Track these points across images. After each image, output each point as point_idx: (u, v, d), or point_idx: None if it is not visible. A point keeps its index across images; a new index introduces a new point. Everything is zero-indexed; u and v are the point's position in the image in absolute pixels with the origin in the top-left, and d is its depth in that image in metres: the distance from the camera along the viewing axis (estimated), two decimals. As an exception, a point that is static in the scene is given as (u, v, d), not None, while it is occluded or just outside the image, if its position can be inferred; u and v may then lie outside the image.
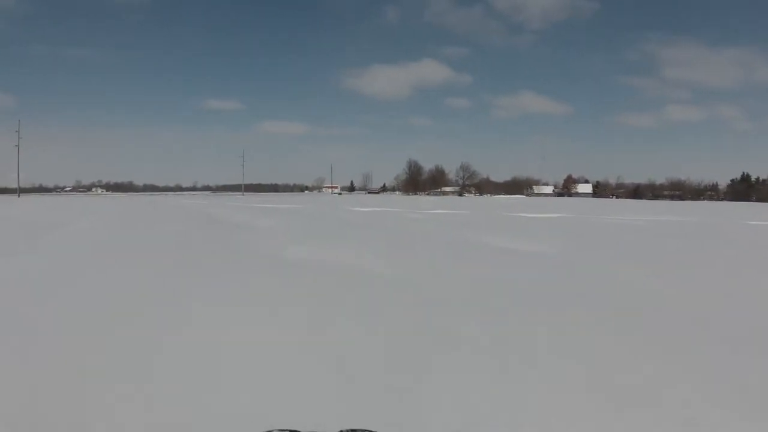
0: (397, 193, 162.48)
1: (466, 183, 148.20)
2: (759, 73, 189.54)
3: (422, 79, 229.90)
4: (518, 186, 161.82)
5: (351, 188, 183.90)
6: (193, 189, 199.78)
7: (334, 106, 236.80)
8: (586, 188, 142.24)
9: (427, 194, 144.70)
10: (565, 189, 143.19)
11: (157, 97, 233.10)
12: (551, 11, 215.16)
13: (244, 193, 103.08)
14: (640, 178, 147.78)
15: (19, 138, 78.04)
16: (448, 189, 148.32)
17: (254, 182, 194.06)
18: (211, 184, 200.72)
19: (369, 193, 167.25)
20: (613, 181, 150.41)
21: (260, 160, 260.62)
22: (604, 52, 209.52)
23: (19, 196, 76.63)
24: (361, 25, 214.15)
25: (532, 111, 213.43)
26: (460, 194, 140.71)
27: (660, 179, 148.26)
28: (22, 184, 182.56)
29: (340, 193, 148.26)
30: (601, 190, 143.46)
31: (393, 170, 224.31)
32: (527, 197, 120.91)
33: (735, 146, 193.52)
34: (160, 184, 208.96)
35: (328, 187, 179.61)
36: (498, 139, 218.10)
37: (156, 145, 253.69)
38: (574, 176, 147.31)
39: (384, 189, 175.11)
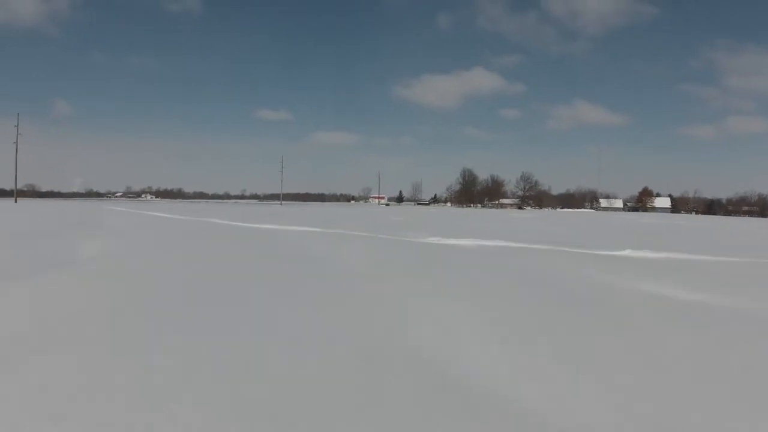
0: (448, 204, 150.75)
1: (527, 194, 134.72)
2: None
3: (474, 88, 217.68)
4: (579, 199, 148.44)
5: (399, 199, 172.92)
6: (242, 197, 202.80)
7: (385, 116, 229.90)
8: (664, 202, 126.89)
9: (483, 206, 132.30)
10: (640, 203, 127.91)
11: (210, 106, 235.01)
12: (609, 16, 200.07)
13: (283, 203, 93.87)
14: (705, 192, 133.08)
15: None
16: (506, 201, 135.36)
17: (301, 191, 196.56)
18: (259, 192, 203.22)
19: (419, 204, 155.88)
20: (690, 194, 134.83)
21: (309, 169, 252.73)
22: (664, 60, 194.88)
23: (16, 200, 68.80)
24: (413, 33, 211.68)
25: (586, 121, 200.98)
26: (520, 207, 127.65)
27: (726, 193, 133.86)
28: (79, 189, 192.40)
29: (387, 204, 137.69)
30: (680, 205, 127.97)
31: (443, 181, 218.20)
32: (598, 212, 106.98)
33: None
34: (209, 191, 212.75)
35: (375, 198, 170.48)
36: (551, 151, 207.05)
37: (207, 153, 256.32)
38: (648, 188, 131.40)
39: (435, 200, 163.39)
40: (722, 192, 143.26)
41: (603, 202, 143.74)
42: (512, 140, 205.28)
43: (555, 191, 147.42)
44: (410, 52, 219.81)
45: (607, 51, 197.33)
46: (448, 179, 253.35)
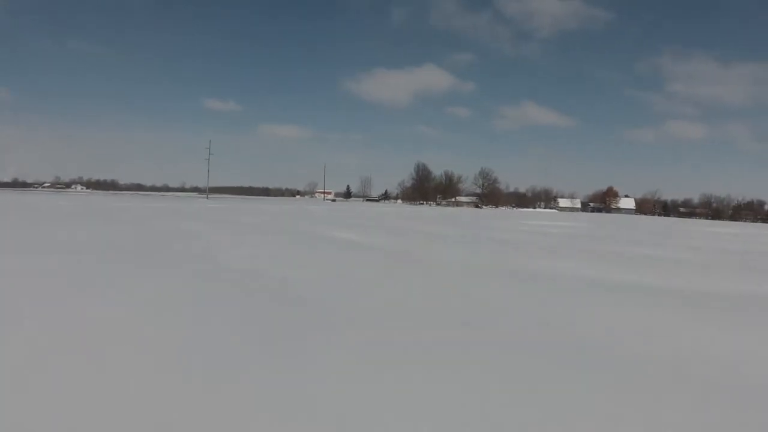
0: (399, 201, 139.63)
1: (485, 192, 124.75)
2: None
3: (425, 85, 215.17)
4: (532, 198, 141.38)
5: (347, 194, 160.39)
6: (182, 189, 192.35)
7: (334, 111, 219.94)
8: (628, 203, 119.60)
9: (437, 204, 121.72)
10: (603, 203, 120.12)
11: (151, 95, 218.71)
12: (562, 19, 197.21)
13: (209, 196, 79.55)
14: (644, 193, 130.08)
15: None
16: (463, 199, 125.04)
17: (245, 185, 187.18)
18: (201, 185, 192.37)
19: (368, 200, 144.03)
20: (650, 196, 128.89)
21: (255, 162, 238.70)
22: (612, 65, 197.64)
23: None
24: (365, 26, 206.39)
25: (534, 122, 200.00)
26: (477, 205, 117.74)
27: (673, 196, 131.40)
28: (5, 178, 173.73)
29: (333, 200, 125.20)
30: (642, 206, 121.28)
31: (393, 179, 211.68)
32: (562, 212, 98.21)
33: (740, 165, 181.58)
34: (147, 183, 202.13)
35: (321, 193, 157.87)
36: (500, 150, 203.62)
37: (146, 143, 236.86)
38: (614, 188, 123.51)
39: (386, 197, 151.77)
40: (678, 195, 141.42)
41: (562, 202, 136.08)
42: (462, 139, 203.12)
43: (505, 190, 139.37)
44: (362, 46, 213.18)
45: (559, 53, 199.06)
46: (398, 176, 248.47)
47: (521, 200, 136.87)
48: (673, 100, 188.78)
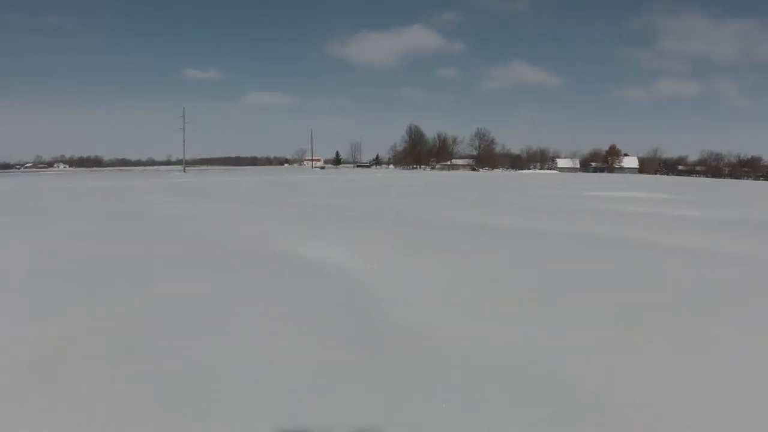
0: (391, 166, 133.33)
1: (481, 154, 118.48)
2: (759, 48, 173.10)
3: (412, 46, 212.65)
4: (525, 159, 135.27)
5: (336, 161, 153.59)
6: (168, 162, 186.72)
7: (320, 76, 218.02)
8: (631, 162, 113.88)
9: (432, 168, 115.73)
10: (605, 163, 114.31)
11: (129, 68, 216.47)
12: None
13: (186, 169, 73.21)
14: (638, 152, 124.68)
15: None
16: (459, 162, 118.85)
17: (232, 155, 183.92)
18: (187, 157, 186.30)
19: (358, 166, 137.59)
20: (653, 154, 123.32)
21: (241, 132, 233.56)
22: (604, 22, 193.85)
23: None
24: None
25: (524, 82, 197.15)
26: (474, 168, 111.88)
27: (666, 154, 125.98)
28: None
29: (322, 167, 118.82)
30: (645, 165, 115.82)
31: (383, 143, 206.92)
32: (564, 173, 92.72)
33: (729, 122, 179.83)
34: (132, 158, 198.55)
35: (310, 161, 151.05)
36: (489, 112, 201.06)
37: (127, 118, 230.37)
38: (616, 146, 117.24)
39: (377, 162, 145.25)
40: (671, 153, 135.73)
41: (561, 162, 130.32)
42: (450, 101, 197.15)
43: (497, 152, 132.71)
44: (347, 8, 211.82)
45: (548, 11, 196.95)
46: (388, 141, 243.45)
47: (515, 162, 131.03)
48: (663, 57, 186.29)
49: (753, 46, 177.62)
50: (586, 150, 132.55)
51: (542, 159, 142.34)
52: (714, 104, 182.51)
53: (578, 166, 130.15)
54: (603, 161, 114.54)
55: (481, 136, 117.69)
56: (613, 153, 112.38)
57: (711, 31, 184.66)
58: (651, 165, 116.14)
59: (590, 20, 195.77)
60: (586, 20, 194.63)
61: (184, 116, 75.55)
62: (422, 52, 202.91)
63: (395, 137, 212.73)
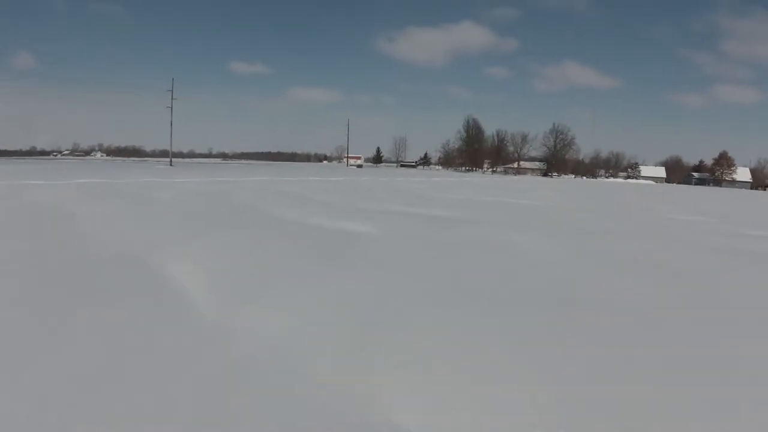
0: (438, 168, 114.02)
1: (559, 154, 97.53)
2: None
3: (461, 43, 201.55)
4: (589, 166, 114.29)
5: (377, 158, 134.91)
6: (209, 155, 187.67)
7: (365, 72, 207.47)
8: (744, 174, 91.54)
9: (493, 171, 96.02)
10: (711, 174, 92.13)
11: (173, 59, 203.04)
12: None
13: (173, 163, 55.08)
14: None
15: None
16: (527, 165, 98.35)
17: (273, 150, 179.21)
18: (228, 150, 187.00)
19: (402, 165, 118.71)
20: (762, 163, 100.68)
21: (284, 127, 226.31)
22: (666, 20, 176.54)
23: None
24: None
25: (575, 83, 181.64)
26: (545, 173, 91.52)
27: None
28: (25, 147, 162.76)
29: (359, 166, 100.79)
30: (756, 178, 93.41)
31: (428, 143, 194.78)
32: (682, 188, 71.79)
33: None
34: (174, 149, 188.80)
35: (350, 158, 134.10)
36: (538, 113, 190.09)
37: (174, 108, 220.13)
38: (727, 153, 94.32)
39: (425, 161, 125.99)
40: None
41: (645, 170, 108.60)
42: (499, 101, 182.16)
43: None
44: (395, 3, 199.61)
45: (608, 9, 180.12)
46: (433, 140, 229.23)
47: (577, 167, 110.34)
48: (725, 61, 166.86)
49: None
50: (652, 157, 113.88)
51: (615, 166, 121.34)
52: None
53: (664, 175, 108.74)
54: (710, 172, 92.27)
55: (557, 132, 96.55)
56: (725, 161, 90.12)
57: None
58: (761, 176, 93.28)
59: (651, 18, 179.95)
60: (647, 18, 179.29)
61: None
62: (472, 49, 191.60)
63: (441, 137, 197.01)
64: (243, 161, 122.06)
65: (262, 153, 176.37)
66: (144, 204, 10.81)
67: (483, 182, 37.42)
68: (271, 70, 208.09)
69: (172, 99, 56.21)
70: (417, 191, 20.35)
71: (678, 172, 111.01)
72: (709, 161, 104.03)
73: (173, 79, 66.63)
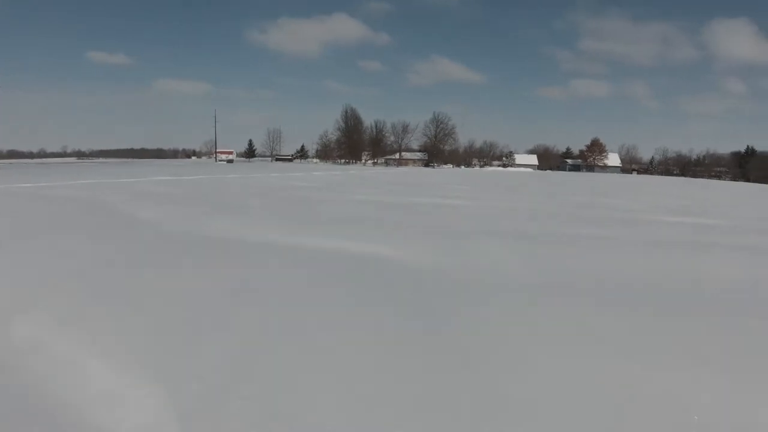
0: (316, 161, 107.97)
1: (438, 145, 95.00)
2: (675, 51, 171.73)
3: (336, 36, 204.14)
4: (463, 155, 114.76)
5: (250, 152, 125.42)
6: (62, 154, 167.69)
7: (238, 64, 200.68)
8: (614, 160, 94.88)
9: (375, 163, 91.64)
10: (583, 160, 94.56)
11: (25, 49, 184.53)
12: None
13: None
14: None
15: None
16: (408, 156, 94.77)
17: (137, 147, 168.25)
18: (85, 149, 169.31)
19: (278, 159, 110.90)
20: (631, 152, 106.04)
21: (150, 121, 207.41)
22: (533, 19, 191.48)
23: None
24: None
25: (447, 78, 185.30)
26: (427, 164, 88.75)
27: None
28: None
29: (230, 161, 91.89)
30: (625, 164, 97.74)
31: (304, 137, 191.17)
32: (564, 174, 71.73)
33: (644, 123, 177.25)
34: (24, 149, 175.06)
35: (220, 152, 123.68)
36: (413, 107, 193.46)
37: (22, 102, 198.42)
38: (600, 140, 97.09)
39: (303, 154, 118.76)
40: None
41: (519, 158, 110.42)
42: (373, 95, 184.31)
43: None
44: None
45: (477, 7, 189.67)
46: (309, 134, 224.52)
47: (453, 157, 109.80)
48: (582, 57, 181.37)
49: (667, 48, 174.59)
50: (521, 146, 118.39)
51: (486, 155, 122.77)
52: (627, 104, 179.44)
53: (536, 162, 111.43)
54: (583, 158, 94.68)
55: (438, 122, 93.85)
56: (597, 148, 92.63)
57: (633, 33, 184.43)
58: (628, 163, 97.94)
59: (518, 17, 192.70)
60: (514, 17, 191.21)
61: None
62: (347, 42, 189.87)
63: (318, 130, 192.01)
64: (102, 160, 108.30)
65: (125, 150, 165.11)
66: None
67: (376, 176, 32.11)
68: (133, 60, 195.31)
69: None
70: (300, 194, 14.39)
71: (548, 160, 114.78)
72: (574, 149, 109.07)
73: None
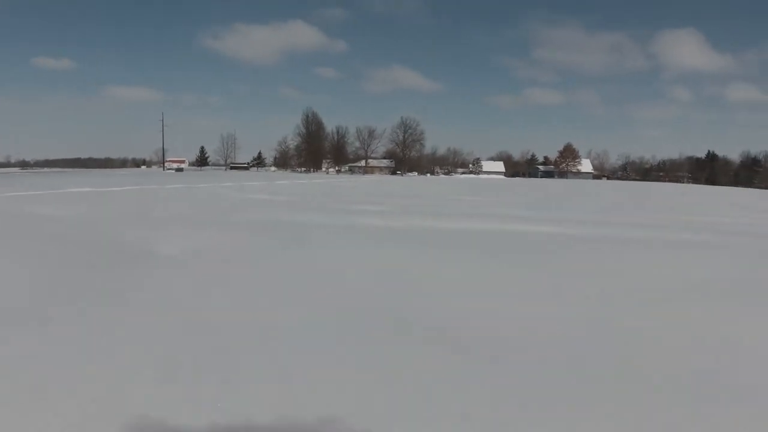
0: (274, 169, 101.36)
1: (407, 150, 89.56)
2: (626, 60, 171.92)
3: (292, 43, 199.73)
4: (426, 163, 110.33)
5: (202, 160, 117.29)
6: (6, 165, 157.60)
7: (191, 70, 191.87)
8: (587, 166, 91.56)
9: (338, 171, 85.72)
10: (555, 166, 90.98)
11: None
12: None
13: None
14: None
15: None
16: (374, 163, 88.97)
17: (85, 156, 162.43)
18: (30, 158, 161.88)
19: (233, 167, 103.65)
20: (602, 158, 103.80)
21: (97, 129, 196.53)
22: (487, 29, 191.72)
23: None
24: None
25: (403, 86, 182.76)
26: (394, 171, 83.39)
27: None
28: None
29: (180, 170, 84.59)
30: (598, 170, 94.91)
31: (260, 145, 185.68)
32: (508, 178, 67.53)
33: (589, 129, 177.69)
34: None
35: (170, 161, 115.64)
36: (371, 115, 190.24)
37: None
38: (572, 145, 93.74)
39: (260, 162, 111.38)
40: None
41: (487, 165, 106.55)
42: (329, 102, 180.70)
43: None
44: None
45: (434, 16, 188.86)
46: (266, 141, 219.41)
47: (417, 165, 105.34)
48: (535, 66, 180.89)
49: (616, 57, 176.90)
50: (483, 153, 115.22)
51: (451, 163, 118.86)
52: (577, 112, 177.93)
53: (503, 169, 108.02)
54: (556, 164, 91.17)
55: (407, 126, 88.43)
56: (570, 154, 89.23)
57: (584, 43, 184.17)
58: (600, 169, 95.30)
59: (473, 27, 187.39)
60: (469, 26, 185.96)
61: None
62: (302, 49, 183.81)
63: (275, 138, 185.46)
64: (46, 169, 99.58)
65: (72, 159, 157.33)
66: None
67: (355, 186, 26.50)
68: (80, 65, 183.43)
69: None
70: (269, 215, 8.79)
71: (513, 167, 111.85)
72: (539, 156, 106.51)
73: None
